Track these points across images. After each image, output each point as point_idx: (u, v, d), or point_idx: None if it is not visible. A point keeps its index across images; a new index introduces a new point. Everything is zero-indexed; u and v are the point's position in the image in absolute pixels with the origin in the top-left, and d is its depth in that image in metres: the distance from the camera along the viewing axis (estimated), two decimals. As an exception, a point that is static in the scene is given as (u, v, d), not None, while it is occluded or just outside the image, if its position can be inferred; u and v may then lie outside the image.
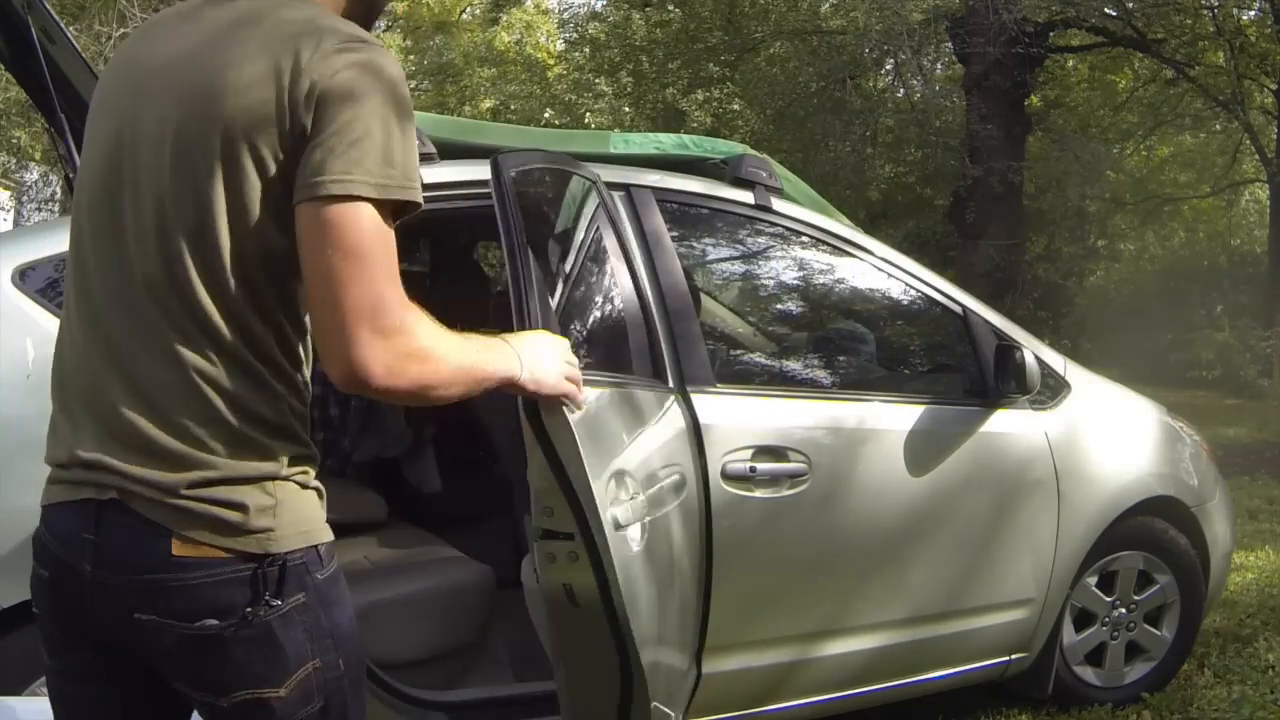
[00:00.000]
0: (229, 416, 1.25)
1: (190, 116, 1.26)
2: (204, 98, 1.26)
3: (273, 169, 1.24)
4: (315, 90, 1.22)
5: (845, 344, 3.14)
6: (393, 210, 1.24)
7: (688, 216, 2.82)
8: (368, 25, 1.40)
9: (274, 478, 1.27)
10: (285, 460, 1.28)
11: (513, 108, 16.18)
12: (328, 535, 1.34)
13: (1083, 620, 3.22)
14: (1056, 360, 3.18)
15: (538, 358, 1.46)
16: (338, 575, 1.35)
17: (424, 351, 1.24)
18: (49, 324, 2.18)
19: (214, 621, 1.24)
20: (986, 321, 2.98)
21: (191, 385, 1.25)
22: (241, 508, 1.25)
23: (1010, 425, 2.94)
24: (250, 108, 1.23)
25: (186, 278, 1.25)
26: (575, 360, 1.56)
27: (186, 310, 1.25)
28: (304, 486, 1.31)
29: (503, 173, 1.92)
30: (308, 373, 1.35)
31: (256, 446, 1.26)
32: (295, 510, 1.29)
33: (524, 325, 1.71)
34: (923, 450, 2.78)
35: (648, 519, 1.97)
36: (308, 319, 1.31)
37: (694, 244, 2.95)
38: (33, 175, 15.27)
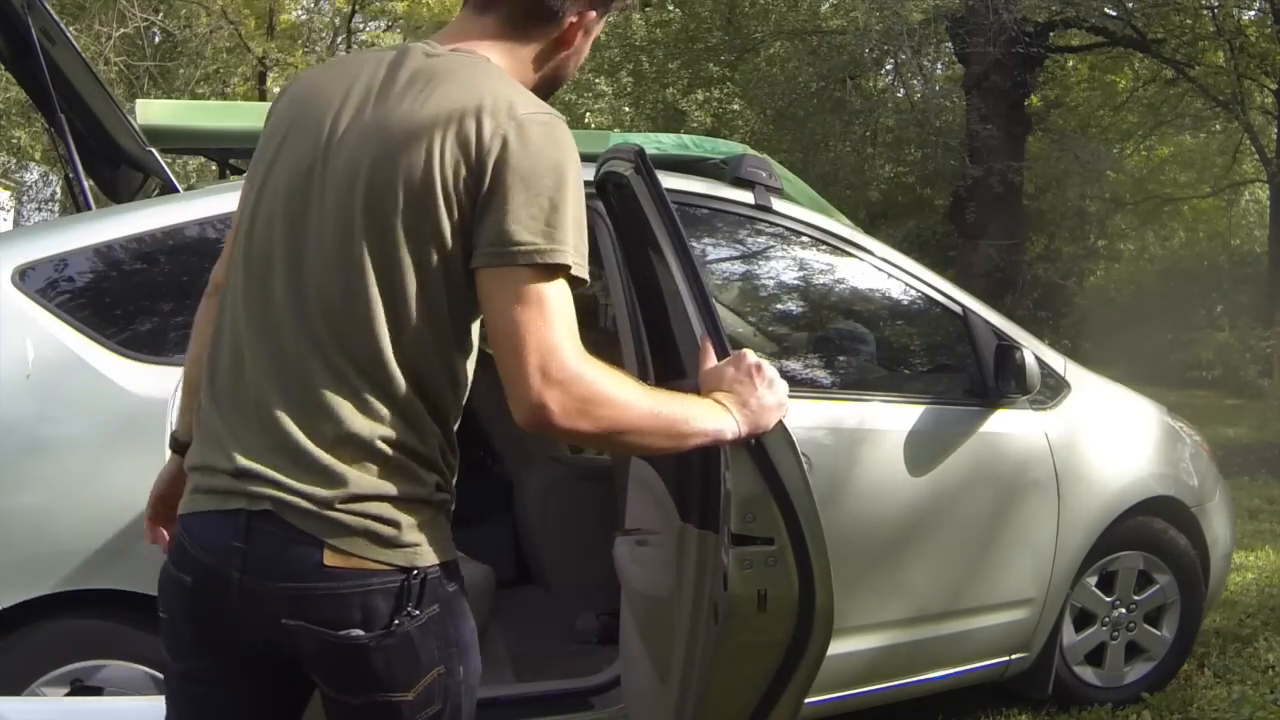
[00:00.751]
0: (384, 446, 1.33)
1: (382, 169, 1.34)
2: (395, 156, 1.33)
3: (458, 228, 1.32)
4: (505, 158, 1.31)
5: (845, 344, 3.14)
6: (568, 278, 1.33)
7: (687, 216, 2.82)
8: (545, 98, 1.47)
9: (422, 501, 1.36)
10: (433, 486, 1.37)
11: (513, 108, 16.15)
12: (455, 552, 1.42)
13: (1083, 620, 3.22)
14: (1056, 360, 3.18)
15: (758, 413, 1.52)
16: (462, 589, 1.43)
17: (604, 396, 1.32)
18: (49, 324, 2.18)
19: (359, 632, 1.31)
20: (986, 321, 2.98)
21: (356, 412, 1.33)
22: (395, 523, 1.33)
23: (1010, 425, 2.94)
24: (439, 169, 1.31)
25: (367, 314, 1.33)
26: (783, 383, 1.58)
27: (362, 343, 1.33)
28: (443, 509, 1.40)
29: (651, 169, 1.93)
30: (459, 413, 1.43)
31: (408, 472, 1.35)
32: (438, 529, 1.38)
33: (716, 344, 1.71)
34: (923, 450, 2.78)
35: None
36: (468, 367, 1.43)
37: (694, 244, 2.95)
38: (33, 175, 15.28)
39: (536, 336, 1.28)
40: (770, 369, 1.56)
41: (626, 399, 1.34)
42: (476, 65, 1.42)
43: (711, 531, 1.78)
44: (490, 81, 1.37)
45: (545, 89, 1.52)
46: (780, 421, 1.60)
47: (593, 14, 1.51)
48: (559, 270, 1.31)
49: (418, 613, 1.34)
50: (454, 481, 1.43)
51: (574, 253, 1.32)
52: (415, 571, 1.33)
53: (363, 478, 1.31)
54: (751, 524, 1.66)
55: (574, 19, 1.48)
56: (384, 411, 1.33)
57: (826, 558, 1.69)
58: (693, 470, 1.87)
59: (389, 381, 1.33)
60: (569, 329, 1.31)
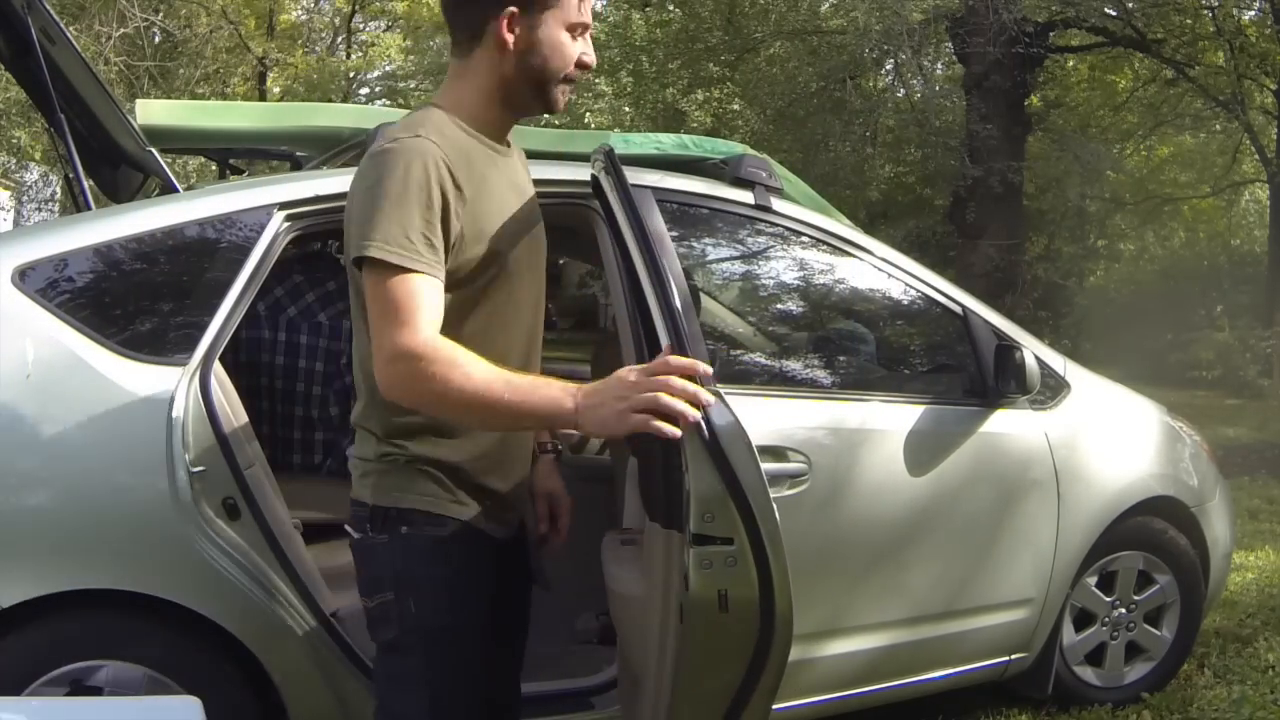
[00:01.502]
0: (356, 424, 1.82)
1: None
2: None
3: None
4: (351, 189, 1.70)
5: (845, 344, 3.14)
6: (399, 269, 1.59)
7: (688, 216, 2.82)
8: (539, 101, 1.76)
9: (371, 459, 1.77)
10: (380, 452, 1.76)
11: (513, 108, 16.12)
12: (423, 506, 1.74)
13: (1083, 620, 3.22)
14: (1056, 360, 3.18)
15: (606, 416, 1.55)
16: (433, 542, 1.74)
17: (432, 376, 1.56)
18: (49, 324, 2.18)
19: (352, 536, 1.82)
20: (986, 321, 2.98)
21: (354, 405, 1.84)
22: (357, 471, 1.81)
23: (1010, 425, 2.94)
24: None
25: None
26: (682, 385, 1.57)
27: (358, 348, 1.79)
28: (403, 466, 1.75)
29: (619, 168, 1.96)
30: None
31: (365, 440, 1.80)
32: (391, 480, 1.75)
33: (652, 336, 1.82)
34: (923, 450, 2.78)
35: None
36: None
37: (694, 244, 2.95)
38: (33, 175, 15.27)
39: (373, 324, 1.61)
40: (649, 384, 1.56)
41: (451, 379, 1.55)
42: (406, 116, 1.77)
43: (676, 531, 1.79)
44: (388, 130, 1.72)
45: (527, 93, 1.75)
46: (736, 421, 1.64)
47: (515, 9, 1.70)
48: (375, 263, 1.58)
49: (373, 535, 1.75)
50: (424, 445, 1.75)
51: (375, 246, 1.58)
52: (368, 506, 1.75)
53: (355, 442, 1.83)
54: (710, 524, 1.66)
55: (498, 21, 1.69)
56: (359, 401, 1.80)
57: (784, 559, 1.69)
58: (656, 468, 1.87)
59: (359, 381, 1.78)
60: (393, 318, 1.57)
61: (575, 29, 1.75)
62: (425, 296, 1.58)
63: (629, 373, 1.59)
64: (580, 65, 1.77)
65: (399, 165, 1.60)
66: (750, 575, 1.69)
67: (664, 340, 1.75)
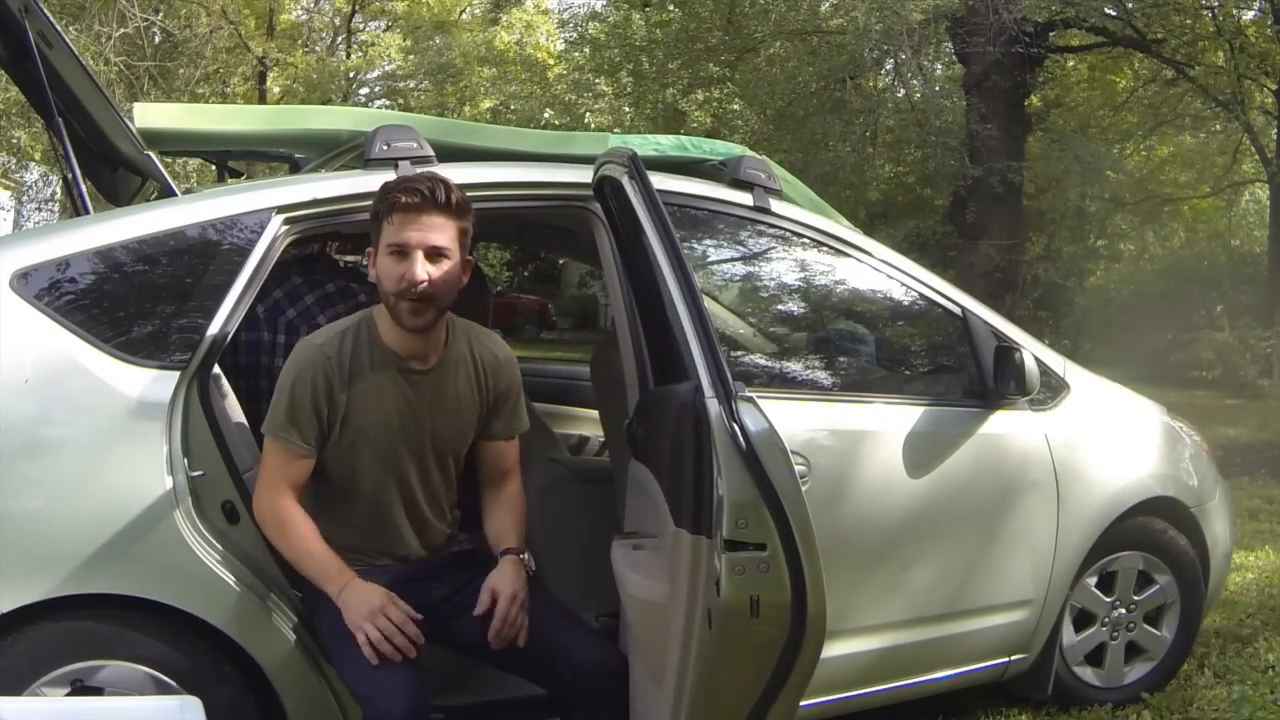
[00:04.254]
0: None
1: None
2: None
3: None
4: None
5: (845, 345, 3.14)
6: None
7: (686, 218, 2.82)
8: (396, 310, 2.18)
9: None
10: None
11: (513, 108, 16.18)
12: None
13: (1082, 621, 3.22)
14: (1056, 361, 3.18)
15: (350, 606, 2.13)
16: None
17: (263, 523, 2.23)
18: (47, 328, 2.17)
19: None
20: (986, 322, 2.98)
21: None
22: None
23: (1009, 426, 2.94)
24: None
25: None
26: (393, 620, 2.10)
27: None
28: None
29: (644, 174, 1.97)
30: (351, 511, 2.32)
31: None
32: None
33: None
34: (922, 452, 2.78)
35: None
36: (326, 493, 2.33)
37: (693, 245, 2.95)
38: (33, 175, 15.28)
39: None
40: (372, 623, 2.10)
41: (272, 535, 2.21)
42: (341, 320, 2.29)
43: (705, 537, 1.78)
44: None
45: (392, 314, 2.19)
46: (771, 428, 1.74)
47: (370, 248, 2.19)
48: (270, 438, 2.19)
49: None
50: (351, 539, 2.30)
51: (268, 425, 2.19)
52: None
53: None
54: (744, 530, 1.67)
55: (369, 260, 2.22)
56: None
57: (818, 563, 1.70)
58: (685, 475, 1.86)
59: None
60: (266, 478, 2.21)
61: (394, 249, 2.12)
62: (278, 459, 2.20)
63: (377, 604, 2.11)
64: (403, 283, 2.11)
65: (287, 370, 2.20)
66: (783, 579, 1.69)
67: (694, 347, 1.79)
